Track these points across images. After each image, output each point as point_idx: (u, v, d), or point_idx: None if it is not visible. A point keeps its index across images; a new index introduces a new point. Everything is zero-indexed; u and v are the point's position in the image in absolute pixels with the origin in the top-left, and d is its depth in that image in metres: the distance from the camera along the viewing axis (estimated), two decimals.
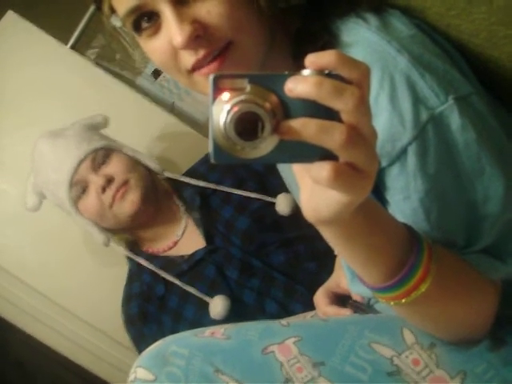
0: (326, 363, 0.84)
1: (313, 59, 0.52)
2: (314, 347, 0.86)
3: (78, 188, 1.61)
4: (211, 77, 0.52)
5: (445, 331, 0.81)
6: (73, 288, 2.05)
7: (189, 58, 0.78)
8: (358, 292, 1.05)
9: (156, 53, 0.81)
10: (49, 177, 1.64)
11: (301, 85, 0.51)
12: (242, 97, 0.51)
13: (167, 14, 0.75)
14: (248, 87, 0.52)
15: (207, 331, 0.94)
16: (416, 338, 0.85)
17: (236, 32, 0.77)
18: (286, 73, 0.52)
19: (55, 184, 1.63)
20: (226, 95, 0.51)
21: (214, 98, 0.52)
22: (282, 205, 1.62)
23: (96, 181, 1.59)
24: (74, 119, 1.76)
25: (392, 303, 0.71)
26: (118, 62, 2.26)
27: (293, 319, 1.08)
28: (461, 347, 0.83)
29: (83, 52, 2.24)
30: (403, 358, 0.84)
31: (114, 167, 1.63)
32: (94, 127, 1.73)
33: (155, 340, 0.96)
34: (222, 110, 0.51)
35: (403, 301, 0.70)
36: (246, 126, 0.51)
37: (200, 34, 0.75)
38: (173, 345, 0.92)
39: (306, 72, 0.52)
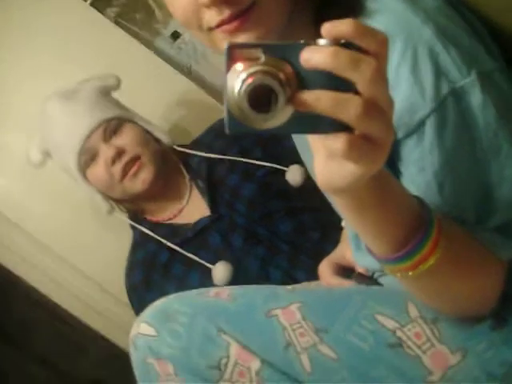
0: (328, 330, 0.85)
1: (329, 28, 0.51)
2: (318, 314, 0.87)
3: (87, 156, 1.60)
4: (226, 46, 0.51)
5: (449, 307, 0.81)
6: (79, 243, 2.07)
7: (213, 17, 0.77)
8: (363, 264, 1.05)
9: (180, 8, 0.80)
10: (58, 140, 1.64)
11: (316, 55, 0.50)
12: (256, 67, 0.50)
13: None
14: (263, 57, 0.51)
15: (212, 291, 0.95)
16: (420, 311, 0.86)
17: None
18: (302, 42, 0.51)
19: (64, 148, 1.62)
20: (240, 65, 0.51)
21: (229, 68, 0.51)
22: (294, 175, 1.61)
23: (106, 151, 1.59)
24: (86, 77, 1.74)
25: (399, 275, 0.71)
26: (138, 21, 2.25)
27: (298, 286, 1.09)
28: (464, 324, 0.84)
29: (103, 10, 2.23)
30: (406, 331, 0.84)
31: (126, 139, 1.62)
32: (107, 90, 1.70)
33: None
34: (236, 80, 0.51)
35: (410, 273, 0.70)
36: (259, 98, 0.50)
37: None
38: (176, 303, 0.93)
39: (322, 42, 0.51)
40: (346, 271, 1.20)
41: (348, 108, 0.50)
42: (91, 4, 2.20)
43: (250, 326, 0.87)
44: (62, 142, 1.62)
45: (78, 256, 2.07)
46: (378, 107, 0.52)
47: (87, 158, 1.60)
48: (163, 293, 1.54)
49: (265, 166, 1.65)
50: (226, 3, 0.75)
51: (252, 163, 1.66)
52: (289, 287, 0.95)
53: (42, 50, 2.09)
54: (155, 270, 1.63)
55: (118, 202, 1.74)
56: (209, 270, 1.54)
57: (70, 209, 2.08)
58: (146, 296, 1.61)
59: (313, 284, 1.29)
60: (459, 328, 0.83)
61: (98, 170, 1.60)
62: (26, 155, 1.76)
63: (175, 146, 1.76)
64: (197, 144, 1.79)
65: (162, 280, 1.61)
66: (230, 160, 1.68)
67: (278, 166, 1.64)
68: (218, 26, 0.77)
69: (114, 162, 1.58)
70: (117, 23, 2.22)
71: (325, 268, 1.24)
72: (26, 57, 2.10)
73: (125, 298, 1.73)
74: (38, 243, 2.08)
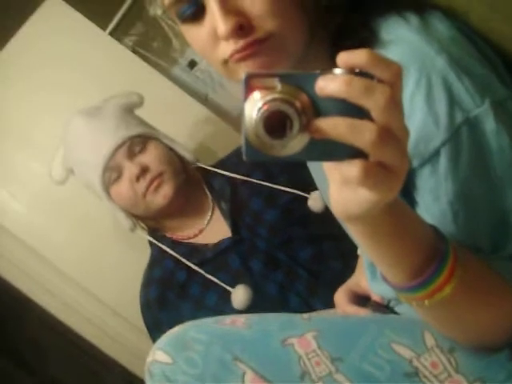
0: (344, 359, 0.84)
1: (344, 58, 0.52)
2: (334, 343, 0.87)
3: (112, 173, 1.61)
4: (244, 75, 0.53)
5: (465, 336, 0.80)
6: (94, 268, 2.08)
7: (228, 48, 0.78)
8: (379, 292, 1.04)
9: (198, 40, 0.82)
10: (82, 157, 1.64)
11: (331, 83, 0.51)
12: (273, 95, 0.52)
13: (212, 3, 0.76)
14: (279, 86, 0.52)
15: (228, 319, 0.94)
16: (436, 341, 0.85)
17: (277, 25, 0.77)
18: (317, 72, 0.52)
19: (88, 166, 1.63)
20: (257, 94, 0.53)
21: (246, 97, 0.53)
22: (316, 201, 1.60)
23: (131, 169, 1.59)
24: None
25: (415, 304, 0.71)
26: (155, 50, 2.28)
27: (314, 314, 1.08)
28: (480, 354, 0.83)
29: (121, 39, 2.26)
30: (422, 360, 0.84)
31: (150, 157, 1.63)
32: (130, 107, 1.72)
33: (171, 326, 0.97)
34: (253, 108, 0.52)
35: (426, 302, 0.69)
36: (275, 124, 0.52)
37: (243, 25, 0.76)
38: (193, 330, 0.93)
39: (337, 71, 0.52)
40: (361, 299, 1.20)
41: (363, 134, 0.51)
42: (110, 33, 2.24)
43: (266, 355, 0.87)
44: (87, 159, 1.63)
45: (92, 281, 2.09)
46: (393, 134, 0.52)
47: (111, 175, 1.61)
48: (178, 313, 1.57)
49: (288, 192, 1.65)
50: (243, 35, 0.76)
51: (276, 188, 1.65)
52: (305, 315, 0.95)
53: (61, 77, 2.14)
54: (172, 288, 1.62)
55: (140, 219, 1.74)
56: (227, 293, 1.53)
57: (86, 235, 2.10)
58: (160, 315, 1.60)
59: (329, 312, 1.28)
60: (476, 358, 0.83)
61: (123, 187, 1.61)
62: (49, 172, 1.77)
63: (199, 164, 1.78)
64: (221, 165, 1.79)
65: (178, 300, 1.60)
66: (253, 183, 1.68)
67: (301, 193, 1.63)
68: (232, 55, 0.79)
69: (138, 179, 1.59)
70: (134, 52, 2.26)
71: (340, 296, 1.24)
72: (46, 84, 2.14)
73: (140, 323, 1.72)
74: (52, 268, 2.10)
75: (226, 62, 0.81)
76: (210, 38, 0.79)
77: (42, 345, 2.28)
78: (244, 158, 0.54)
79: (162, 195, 1.61)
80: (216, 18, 0.76)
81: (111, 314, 2.09)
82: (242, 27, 0.76)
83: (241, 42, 0.77)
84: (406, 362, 0.84)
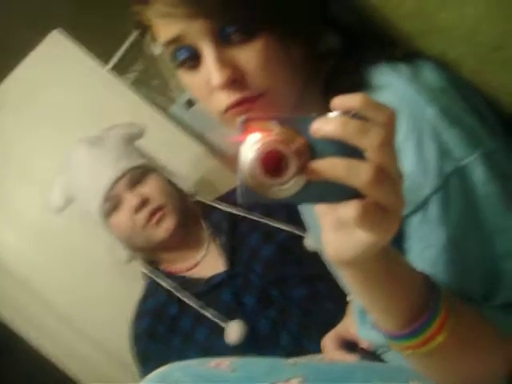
0: None
1: (339, 102, 0.53)
2: None
3: (111, 203, 1.61)
4: (240, 119, 0.54)
5: None
6: (84, 304, 2.07)
7: (223, 99, 0.79)
8: (368, 338, 1.03)
9: (193, 86, 0.83)
10: (83, 185, 1.65)
11: (327, 125, 0.52)
12: (269, 138, 0.52)
13: (208, 53, 0.77)
14: (276, 129, 0.53)
15: (212, 362, 0.93)
16: None
17: (271, 83, 0.79)
18: (313, 115, 0.53)
19: (89, 194, 1.63)
20: (254, 136, 0.53)
21: (243, 139, 0.54)
22: (311, 240, 1.60)
23: (131, 199, 1.60)
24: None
25: (406, 352, 0.70)
26: (154, 88, 2.30)
27: (300, 359, 1.07)
28: None
29: (122, 74, 2.29)
30: None
31: (150, 188, 1.64)
32: (131, 138, 1.74)
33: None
34: (250, 151, 0.53)
35: (418, 350, 0.69)
36: (271, 164, 0.52)
37: (237, 79, 0.77)
38: (177, 372, 0.91)
39: (332, 114, 0.53)
40: (349, 345, 1.19)
41: (359, 174, 0.52)
42: (112, 68, 2.26)
43: None
44: (87, 187, 1.63)
45: (81, 316, 2.07)
46: (388, 174, 0.53)
47: (111, 205, 1.61)
48: (167, 347, 1.56)
49: (286, 229, 1.65)
50: (237, 89, 0.78)
51: (274, 225, 1.66)
52: (290, 360, 0.94)
53: (60, 110, 2.16)
54: (162, 322, 1.61)
55: (137, 251, 1.74)
56: (218, 328, 1.52)
57: (76, 267, 2.09)
58: (148, 346, 1.59)
59: (316, 358, 1.27)
60: None
61: (122, 217, 1.62)
62: (47, 200, 1.77)
63: (198, 198, 1.79)
64: (221, 200, 1.80)
65: (168, 333, 1.59)
66: (252, 219, 1.69)
67: (298, 232, 1.64)
68: (228, 108, 0.80)
69: (137, 210, 1.60)
70: (134, 89, 2.27)
71: (328, 342, 1.23)
72: (45, 116, 2.16)
73: (127, 359, 1.71)
74: (40, 300, 2.08)
75: (222, 112, 0.82)
76: (205, 86, 0.80)
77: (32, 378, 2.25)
78: (239, 199, 0.54)
79: (164, 228, 1.62)
80: (211, 68, 0.77)
81: (100, 350, 2.06)
82: (236, 80, 0.77)
83: (235, 96, 0.78)
84: None
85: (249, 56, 0.77)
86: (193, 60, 0.80)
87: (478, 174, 0.73)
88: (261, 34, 0.78)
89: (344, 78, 0.82)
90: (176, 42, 0.79)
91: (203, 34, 0.77)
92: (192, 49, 0.79)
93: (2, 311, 2.08)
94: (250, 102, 0.79)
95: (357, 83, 0.81)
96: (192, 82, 0.82)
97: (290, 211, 1.68)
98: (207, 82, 0.79)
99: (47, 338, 2.08)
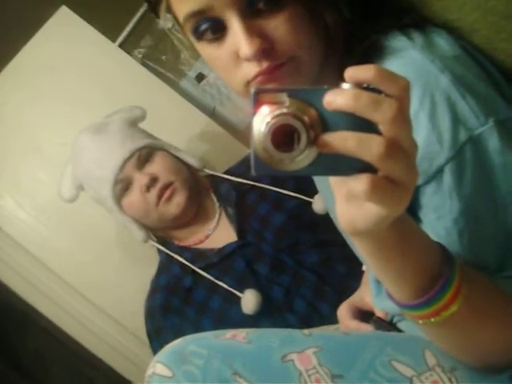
0: (344, 376, 0.84)
1: (351, 73, 0.53)
2: (334, 359, 0.86)
3: (122, 185, 1.64)
4: (252, 91, 0.53)
5: (469, 355, 0.79)
6: (99, 280, 2.09)
7: (251, 69, 0.78)
8: (383, 308, 1.04)
9: (217, 59, 0.82)
10: (91, 173, 1.67)
11: (339, 97, 0.52)
12: (281, 110, 0.52)
13: (235, 24, 0.76)
14: (287, 101, 0.53)
15: (228, 333, 0.94)
16: (438, 360, 0.84)
17: (298, 50, 0.78)
18: (325, 87, 0.53)
19: (98, 180, 1.65)
20: (265, 109, 0.53)
21: (255, 112, 0.53)
22: (319, 203, 1.62)
23: (140, 179, 1.63)
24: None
25: (420, 322, 0.70)
26: (164, 62, 2.29)
27: (315, 330, 1.07)
28: (482, 374, 0.82)
29: (131, 51, 2.28)
30: (423, 379, 0.83)
31: (158, 166, 1.66)
32: (134, 121, 1.75)
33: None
34: (262, 123, 0.53)
35: (432, 320, 0.69)
36: (283, 138, 0.52)
37: (266, 48, 0.76)
38: (193, 344, 0.92)
39: (345, 86, 0.53)
40: (364, 315, 1.19)
41: (371, 147, 0.51)
42: (119, 45, 2.25)
43: (266, 370, 0.86)
44: (96, 174, 1.65)
45: (95, 291, 2.10)
46: (401, 148, 0.52)
47: (122, 188, 1.64)
48: (181, 318, 1.59)
49: (295, 196, 1.67)
50: (266, 56, 0.77)
51: (283, 193, 1.68)
52: (305, 331, 0.94)
53: (70, 87, 2.16)
54: (177, 295, 1.64)
55: (150, 230, 1.76)
56: (232, 296, 1.55)
57: (90, 245, 2.11)
58: (162, 322, 1.62)
59: (331, 328, 1.28)
60: (478, 378, 0.82)
61: (134, 197, 1.64)
62: (58, 191, 1.79)
63: (206, 171, 1.81)
64: (228, 173, 1.82)
65: (182, 305, 1.62)
66: (261, 189, 1.71)
67: (306, 198, 1.66)
68: (255, 77, 0.79)
69: (148, 188, 1.62)
70: (143, 64, 2.27)
71: (343, 311, 1.23)
72: (55, 93, 2.17)
73: (142, 334, 1.73)
74: (56, 277, 2.11)
75: (248, 83, 0.81)
76: (231, 58, 0.79)
77: (46, 356, 2.28)
78: (252, 171, 0.54)
79: (176, 204, 1.64)
80: (240, 39, 0.76)
81: (114, 324, 2.09)
82: (265, 49, 0.76)
83: (264, 64, 0.77)
84: (406, 380, 0.83)
85: (276, 25, 0.76)
86: (217, 32, 0.78)
87: (493, 142, 0.73)
88: (287, 3, 0.77)
89: (357, 44, 0.81)
90: (201, 15, 0.77)
91: (230, 6, 0.75)
92: (217, 20, 0.77)
93: (16, 286, 2.11)
94: (277, 70, 0.78)
95: (369, 50, 0.80)
96: (215, 53, 0.81)
97: (297, 179, 1.70)
98: (234, 52, 0.78)
99: (64, 313, 2.10)
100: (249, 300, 1.52)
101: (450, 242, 0.76)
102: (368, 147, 0.51)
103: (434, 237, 0.74)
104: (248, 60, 0.77)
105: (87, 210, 1.98)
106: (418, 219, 0.80)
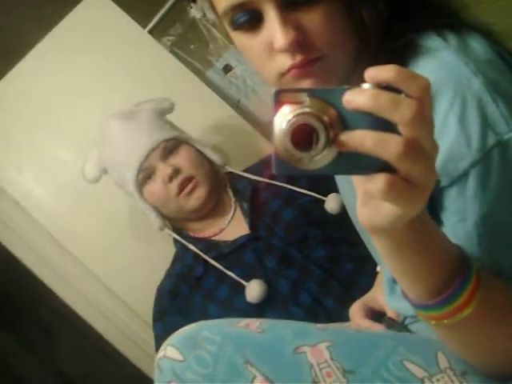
0: (356, 372, 0.84)
1: (372, 73, 0.53)
2: (347, 355, 0.86)
3: (145, 174, 1.68)
4: (273, 91, 0.54)
5: (481, 360, 0.79)
6: (114, 264, 2.10)
7: (285, 61, 0.79)
8: (395, 308, 1.04)
9: (251, 49, 0.82)
10: (117, 158, 1.71)
11: (358, 97, 0.52)
12: (301, 109, 0.53)
13: (272, 15, 0.76)
14: (307, 101, 0.53)
15: (242, 322, 0.94)
16: (450, 363, 0.84)
17: (331, 46, 0.79)
18: (346, 86, 0.53)
19: (123, 166, 1.70)
20: (286, 108, 0.54)
21: (276, 111, 0.54)
22: (331, 203, 1.65)
23: (164, 169, 1.67)
24: (139, 100, 1.82)
25: (433, 323, 0.70)
26: (192, 52, 2.30)
27: (329, 325, 1.08)
28: (492, 380, 0.82)
29: (160, 38, 2.29)
30: (434, 381, 0.83)
31: (182, 159, 1.71)
32: (162, 112, 1.79)
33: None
34: (282, 122, 0.53)
35: (445, 321, 0.69)
36: (302, 137, 0.53)
37: (300, 40, 0.77)
38: (206, 330, 0.93)
39: (365, 86, 0.53)
40: (376, 315, 1.19)
41: (389, 146, 0.52)
42: (149, 32, 2.26)
43: (277, 361, 0.87)
44: (122, 159, 1.70)
45: (110, 275, 2.11)
46: (420, 148, 0.53)
47: (145, 176, 1.69)
48: (187, 303, 1.63)
49: (307, 194, 1.70)
50: (300, 49, 0.77)
51: (295, 190, 1.71)
52: (319, 325, 0.94)
53: (98, 70, 2.18)
54: (187, 282, 1.68)
55: (168, 219, 1.81)
56: (240, 286, 1.58)
57: (109, 228, 2.12)
58: (169, 305, 1.66)
59: (344, 325, 1.28)
60: (488, 382, 0.82)
61: (156, 186, 1.69)
62: (82, 171, 1.83)
63: (228, 168, 1.85)
64: (247, 171, 1.86)
65: (190, 292, 1.66)
66: (275, 186, 1.74)
67: (319, 196, 1.69)
68: (289, 69, 0.79)
69: (170, 179, 1.67)
70: (172, 52, 2.28)
71: (356, 310, 1.24)
72: (83, 75, 2.18)
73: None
74: (71, 258, 2.13)
75: (281, 75, 0.81)
76: (265, 48, 0.80)
77: (54, 334, 2.30)
78: (273, 171, 0.55)
79: (196, 197, 1.69)
80: (275, 30, 0.76)
81: (126, 309, 2.11)
82: (299, 42, 0.76)
83: (298, 58, 0.78)
84: (417, 381, 0.83)
85: (312, 19, 0.77)
86: (253, 22, 0.79)
87: None
88: None
89: (392, 42, 0.81)
90: (240, 7, 0.78)
91: None
92: (255, 12, 0.78)
93: (32, 264, 2.13)
94: (310, 65, 0.78)
95: (404, 48, 0.80)
96: (250, 43, 0.81)
97: (311, 178, 1.74)
98: (268, 43, 0.78)
99: (76, 293, 2.13)
100: (253, 289, 1.55)
101: (468, 245, 0.76)
102: (386, 146, 0.52)
103: (453, 239, 0.74)
104: (282, 51, 0.77)
105: (107, 195, 2.00)
106: (439, 220, 0.80)
